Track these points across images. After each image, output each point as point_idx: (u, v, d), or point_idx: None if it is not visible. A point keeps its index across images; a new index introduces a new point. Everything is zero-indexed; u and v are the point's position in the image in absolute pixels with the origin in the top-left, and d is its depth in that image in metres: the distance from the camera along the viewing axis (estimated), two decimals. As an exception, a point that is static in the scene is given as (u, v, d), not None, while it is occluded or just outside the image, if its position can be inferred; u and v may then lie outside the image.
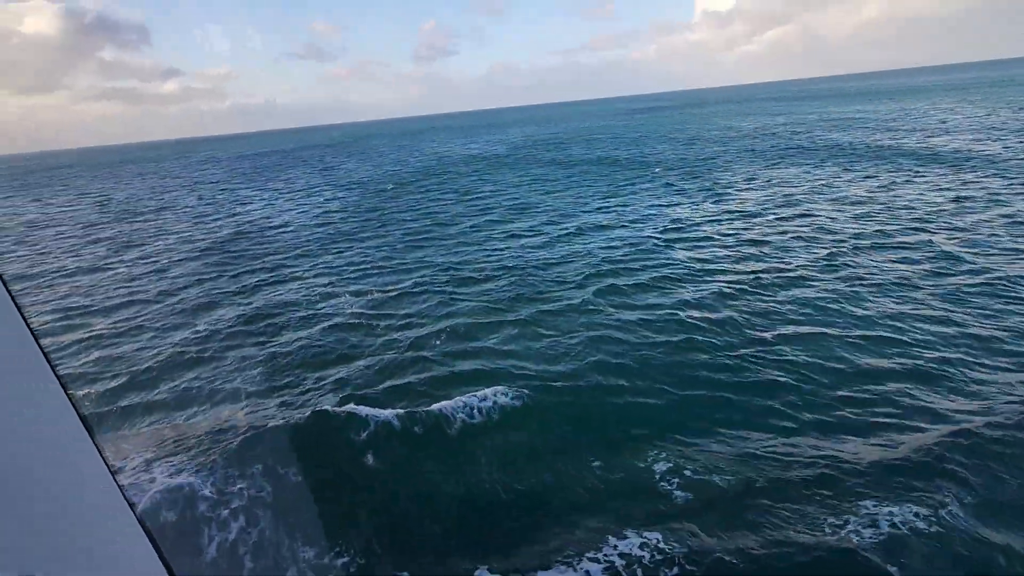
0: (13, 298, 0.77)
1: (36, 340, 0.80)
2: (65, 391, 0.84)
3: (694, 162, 36.87)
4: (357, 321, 13.76)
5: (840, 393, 9.00)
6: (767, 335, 11.08)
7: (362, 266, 18.86)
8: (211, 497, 7.67)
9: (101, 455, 0.87)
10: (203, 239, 25.67)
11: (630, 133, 69.18)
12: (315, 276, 18.18)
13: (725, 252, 16.68)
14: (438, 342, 12.15)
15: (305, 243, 23.25)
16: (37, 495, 0.75)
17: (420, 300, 14.88)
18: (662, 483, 7.36)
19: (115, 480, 0.88)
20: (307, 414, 9.31)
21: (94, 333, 14.34)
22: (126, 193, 51.53)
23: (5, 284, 0.79)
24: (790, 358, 10.11)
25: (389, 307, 14.67)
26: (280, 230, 26.59)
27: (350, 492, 7.81)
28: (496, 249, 19.45)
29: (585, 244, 19.05)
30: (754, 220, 20.04)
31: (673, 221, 20.99)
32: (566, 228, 21.55)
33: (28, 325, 0.79)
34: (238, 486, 7.86)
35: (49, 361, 0.81)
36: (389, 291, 15.78)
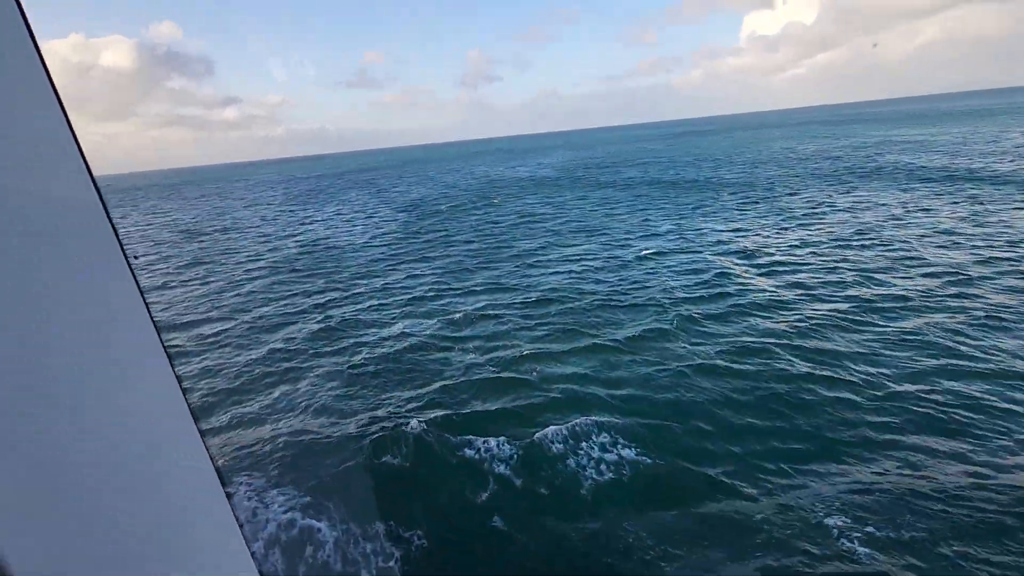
0: (143, 295, 0.79)
1: (160, 337, 0.83)
2: (181, 389, 0.86)
3: (759, 184, 35.68)
4: (434, 342, 13.51)
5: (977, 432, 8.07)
6: (876, 371, 10.16)
7: (430, 286, 18.73)
8: (292, 505, 7.88)
9: (208, 452, 0.91)
10: (271, 257, 26.35)
11: (683, 156, 68.19)
12: (386, 294, 18.16)
13: (807, 279, 15.72)
14: (519, 365, 11.70)
15: (371, 262, 23.43)
16: (153, 483, 0.79)
17: (494, 322, 14.52)
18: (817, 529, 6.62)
19: (220, 480, 0.91)
20: (392, 430, 9.13)
21: (177, 350, 14.65)
22: (192, 213, 54.01)
23: (138, 284, 0.81)
24: (899, 391, 9.21)
25: (463, 327, 14.38)
26: (344, 249, 26.97)
27: (425, 508, 7.43)
28: (565, 272, 18.98)
29: (658, 268, 18.37)
30: (835, 245, 18.90)
31: (746, 245, 20.08)
32: (635, 251, 20.93)
33: (154, 321, 0.82)
34: (324, 502, 7.94)
35: (170, 359, 0.84)
36: (460, 311, 15.51)
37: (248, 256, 27.14)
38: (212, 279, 22.68)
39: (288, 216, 43.80)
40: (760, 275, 16.47)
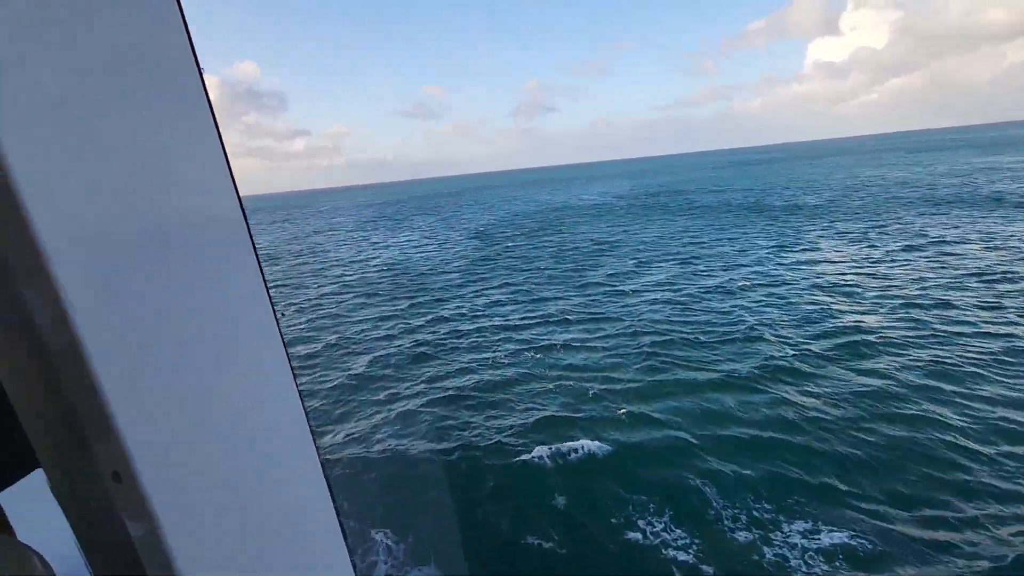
0: (273, 307, 0.81)
1: (286, 350, 0.84)
2: (301, 400, 0.87)
3: (851, 212, 33.19)
4: (518, 370, 12.77)
5: None
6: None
7: (511, 313, 18.03)
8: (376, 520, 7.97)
9: (321, 464, 0.92)
10: (349, 281, 26.49)
11: (755, 184, 65.28)
12: (468, 321, 17.62)
13: (923, 315, 13.89)
14: (610, 402, 10.73)
15: (450, 287, 23.04)
16: (269, 488, 0.80)
17: (582, 353, 13.57)
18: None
19: (327, 482, 0.91)
20: (482, 457, 8.64)
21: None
22: (266, 239, 56.19)
23: (270, 296, 0.82)
24: None
25: (548, 356, 13.61)
26: (420, 274, 26.82)
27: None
28: (651, 301, 17.81)
29: (751, 299, 16.91)
30: (953, 278, 16.78)
31: (848, 277, 18.27)
32: (723, 280, 19.50)
33: (280, 333, 0.83)
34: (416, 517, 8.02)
35: (293, 371, 0.86)
36: (545, 340, 14.71)
37: (326, 280, 27.39)
38: (293, 302, 22.82)
39: (360, 241, 44.66)
40: (869, 311, 14.72)
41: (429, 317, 18.30)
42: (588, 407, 10.57)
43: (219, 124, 0.74)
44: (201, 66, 0.70)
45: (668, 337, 13.97)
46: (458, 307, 19.43)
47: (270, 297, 0.83)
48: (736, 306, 16.24)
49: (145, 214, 0.67)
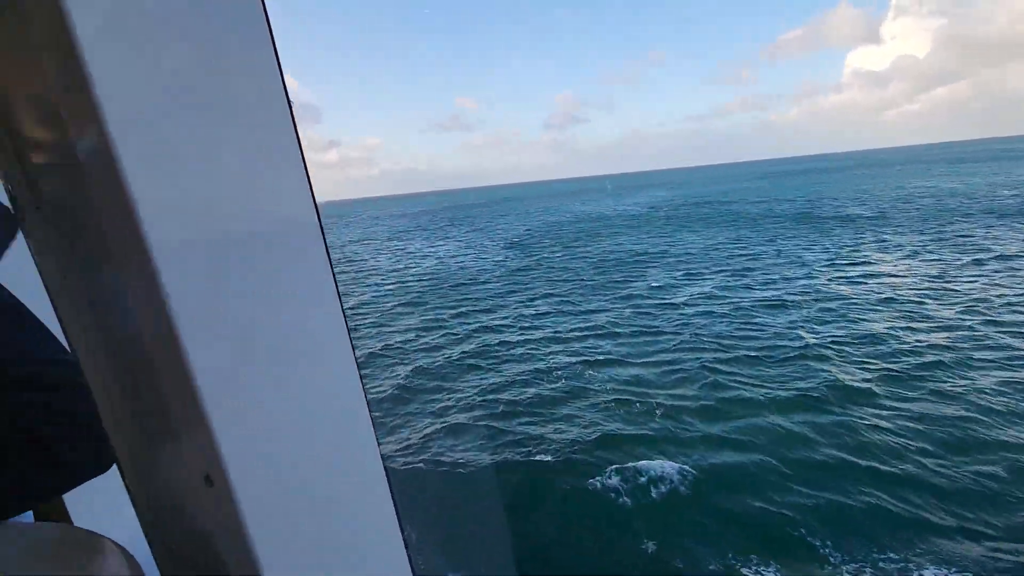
0: (341, 299, 0.80)
1: (351, 340, 0.84)
2: (366, 397, 0.87)
3: (907, 222, 31.70)
4: (582, 384, 12.30)
5: None
6: None
7: (559, 322, 17.60)
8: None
9: (380, 454, 0.91)
10: (390, 289, 26.50)
11: (799, 194, 63.42)
12: (514, 331, 17.28)
13: (1003, 336, 12.84)
14: (688, 417, 10.26)
15: (495, 296, 22.78)
16: (331, 483, 0.80)
17: (633, 366, 13.08)
18: None
19: (389, 484, 0.91)
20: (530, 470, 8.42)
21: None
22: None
23: (340, 296, 0.83)
24: None
25: (597, 370, 13.09)
26: (462, 283, 26.67)
27: None
28: (702, 313, 17.13)
29: (810, 313, 16.03)
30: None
31: (917, 291, 17.22)
32: (777, 292, 18.66)
33: (349, 332, 0.83)
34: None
35: (357, 365, 0.85)
36: (594, 353, 14.23)
37: (367, 288, 27.48)
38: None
39: (397, 251, 44.96)
40: (937, 328, 13.77)
41: (474, 327, 18.07)
42: (654, 425, 10.07)
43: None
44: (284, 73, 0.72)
45: (730, 353, 13.31)
46: (503, 317, 19.15)
47: (341, 302, 0.83)
48: (795, 321, 15.46)
49: (240, 216, 0.69)
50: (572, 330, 16.71)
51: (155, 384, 0.73)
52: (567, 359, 14.05)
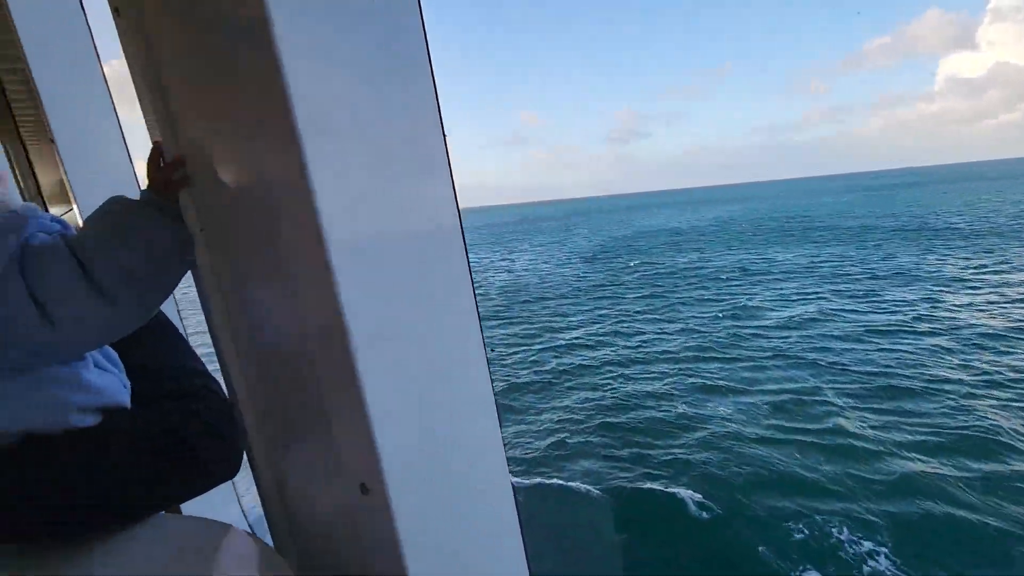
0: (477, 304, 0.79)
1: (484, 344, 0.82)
2: (493, 392, 0.85)
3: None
4: (705, 411, 11.42)
5: None
6: None
7: (666, 341, 16.66)
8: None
9: (503, 452, 0.90)
10: (480, 296, 26.35)
11: (899, 208, 58.48)
12: (615, 344, 16.63)
13: None
14: (859, 463, 8.97)
15: (584, 310, 22.15)
16: (458, 474, 0.78)
17: (773, 392, 11.94)
18: None
19: (514, 495, 0.90)
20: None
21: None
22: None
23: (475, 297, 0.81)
24: None
25: (720, 395, 12.17)
26: (549, 296, 26.26)
27: None
28: (830, 336, 15.61)
29: (950, 341, 14.15)
30: None
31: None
32: (909, 315, 16.77)
33: (482, 334, 0.82)
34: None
35: (489, 371, 0.84)
36: (722, 377, 13.27)
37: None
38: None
39: (474, 263, 45.02)
40: None
41: (566, 341, 17.61)
42: (822, 469, 8.81)
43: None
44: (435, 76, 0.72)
45: (864, 384, 11.95)
46: (596, 331, 18.50)
47: (478, 310, 0.82)
48: (940, 350, 13.68)
49: (403, 222, 0.70)
50: (678, 347, 15.83)
51: (315, 393, 0.73)
52: (679, 378, 13.24)
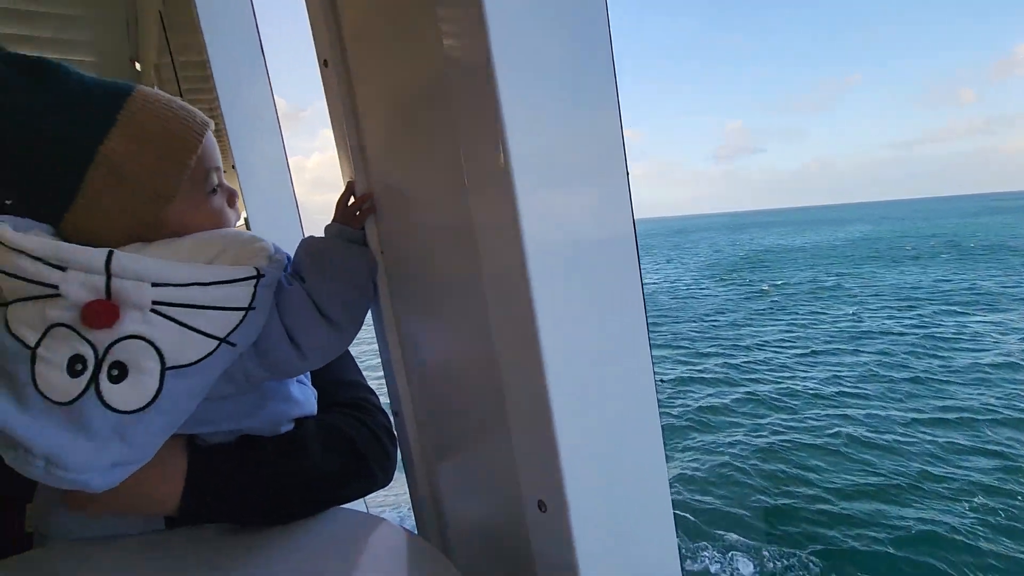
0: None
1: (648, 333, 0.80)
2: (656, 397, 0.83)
3: None
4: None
5: None
6: None
7: (832, 378, 14.94)
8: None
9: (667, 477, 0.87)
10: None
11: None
12: (768, 371, 15.62)
13: None
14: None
15: (723, 335, 20.85)
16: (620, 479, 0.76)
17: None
18: None
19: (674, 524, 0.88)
20: None
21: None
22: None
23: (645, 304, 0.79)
24: None
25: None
26: (685, 313, 25.20)
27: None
28: None
29: None
30: None
31: None
32: None
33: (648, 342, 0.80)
34: None
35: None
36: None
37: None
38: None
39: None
40: None
41: (706, 365, 16.70)
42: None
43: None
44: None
45: None
46: (744, 357, 17.24)
47: (647, 318, 0.81)
48: None
49: (589, 228, 0.72)
50: (849, 387, 13.97)
51: (493, 407, 0.73)
52: (861, 415, 11.86)
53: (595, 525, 0.68)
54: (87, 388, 0.63)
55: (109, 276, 0.63)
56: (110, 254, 0.65)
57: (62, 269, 0.63)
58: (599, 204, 0.74)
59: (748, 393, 14.00)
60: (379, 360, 1.11)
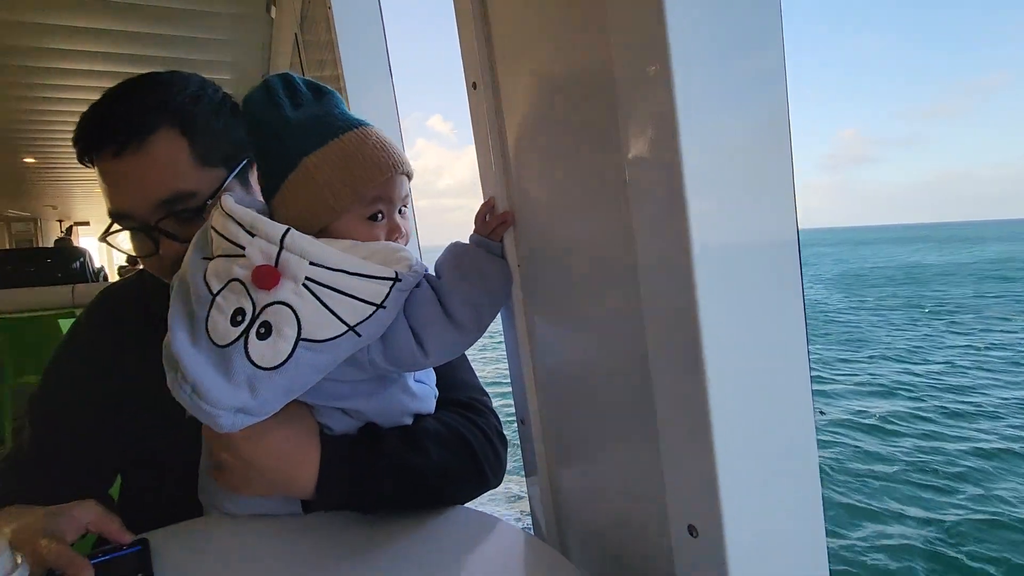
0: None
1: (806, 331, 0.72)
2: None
3: None
4: None
5: None
6: None
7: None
8: None
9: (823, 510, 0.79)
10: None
11: None
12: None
13: None
14: None
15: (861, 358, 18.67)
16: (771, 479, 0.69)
17: None
18: None
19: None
20: None
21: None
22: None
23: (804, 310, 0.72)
24: None
25: None
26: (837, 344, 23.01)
27: None
28: None
29: None
30: None
31: None
32: None
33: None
34: None
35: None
36: None
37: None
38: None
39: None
40: None
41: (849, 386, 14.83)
42: None
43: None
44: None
45: None
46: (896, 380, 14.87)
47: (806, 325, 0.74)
48: None
49: (753, 234, 0.67)
50: None
51: (640, 422, 0.70)
52: None
53: (750, 556, 0.63)
54: (239, 338, 0.71)
55: (281, 247, 0.74)
56: (287, 230, 0.75)
57: (251, 235, 0.75)
58: (767, 209, 0.69)
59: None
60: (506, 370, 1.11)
